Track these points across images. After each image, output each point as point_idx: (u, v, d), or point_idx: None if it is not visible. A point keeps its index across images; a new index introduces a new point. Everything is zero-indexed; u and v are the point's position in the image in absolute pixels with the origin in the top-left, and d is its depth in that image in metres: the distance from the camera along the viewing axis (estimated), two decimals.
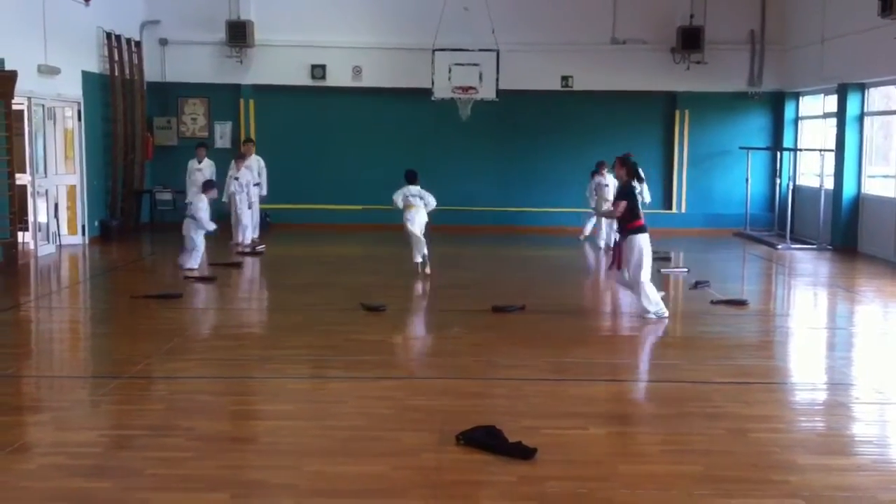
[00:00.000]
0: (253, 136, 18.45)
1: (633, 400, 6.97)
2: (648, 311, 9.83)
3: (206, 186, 13.82)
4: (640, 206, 10.22)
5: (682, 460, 5.72)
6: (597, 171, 16.12)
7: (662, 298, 10.09)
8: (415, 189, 12.83)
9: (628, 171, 10.27)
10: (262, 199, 16.80)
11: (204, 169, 16.33)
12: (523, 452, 5.67)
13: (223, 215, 15.92)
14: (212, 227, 13.41)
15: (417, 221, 12.62)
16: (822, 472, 5.56)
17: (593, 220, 16.52)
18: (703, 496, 5.15)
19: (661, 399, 7.02)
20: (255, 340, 9.25)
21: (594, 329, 9.84)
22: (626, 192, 10.11)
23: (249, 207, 16.02)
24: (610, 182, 15.74)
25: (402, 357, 8.28)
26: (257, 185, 16.44)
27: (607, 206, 15.62)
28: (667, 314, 9.84)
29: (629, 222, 9.93)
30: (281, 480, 5.32)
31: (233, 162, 16.14)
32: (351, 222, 18.59)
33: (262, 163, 16.84)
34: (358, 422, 6.36)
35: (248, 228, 15.99)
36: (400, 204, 12.78)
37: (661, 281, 13.02)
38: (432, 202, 12.82)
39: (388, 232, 17.65)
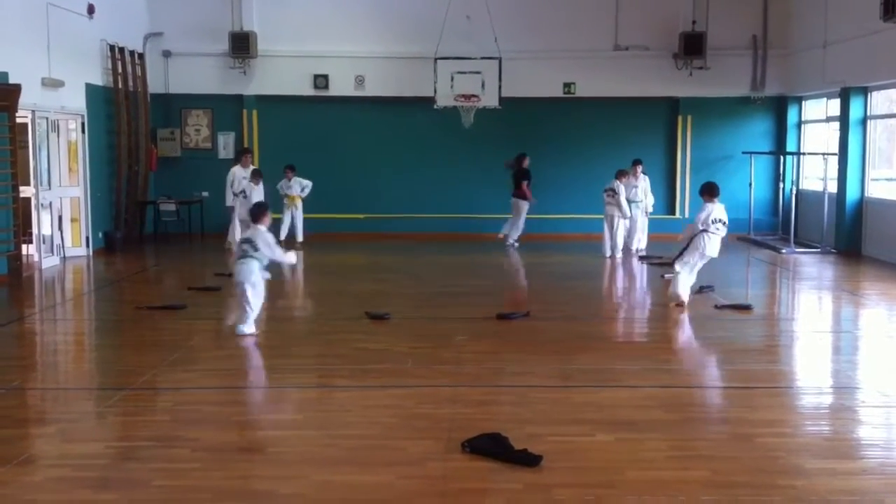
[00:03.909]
0: (256, 146, 18.51)
1: (638, 406, 6.95)
2: None
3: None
4: None
5: (688, 466, 5.71)
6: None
7: None
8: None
9: None
10: None
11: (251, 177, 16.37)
12: (529, 460, 5.66)
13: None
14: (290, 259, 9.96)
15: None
16: (828, 476, 5.54)
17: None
18: (711, 502, 5.14)
19: (667, 405, 7.01)
20: (261, 350, 9.24)
21: (599, 335, 9.83)
22: None
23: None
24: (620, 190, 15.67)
25: (407, 365, 8.28)
26: None
27: (619, 214, 15.62)
28: None
29: None
30: (288, 490, 5.32)
31: (237, 169, 16.28)
32: (354, 231, 18.61)
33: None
34: (364, 431, 6.36)
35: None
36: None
37: (665, 286, 13.03)
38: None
39: (391, 241, 17.71)
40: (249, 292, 9.25)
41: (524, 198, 17.08)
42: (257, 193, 15.82)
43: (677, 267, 10.97)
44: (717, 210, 10.92)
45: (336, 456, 5.88)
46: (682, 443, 6.15)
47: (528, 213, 17.22)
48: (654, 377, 7.86)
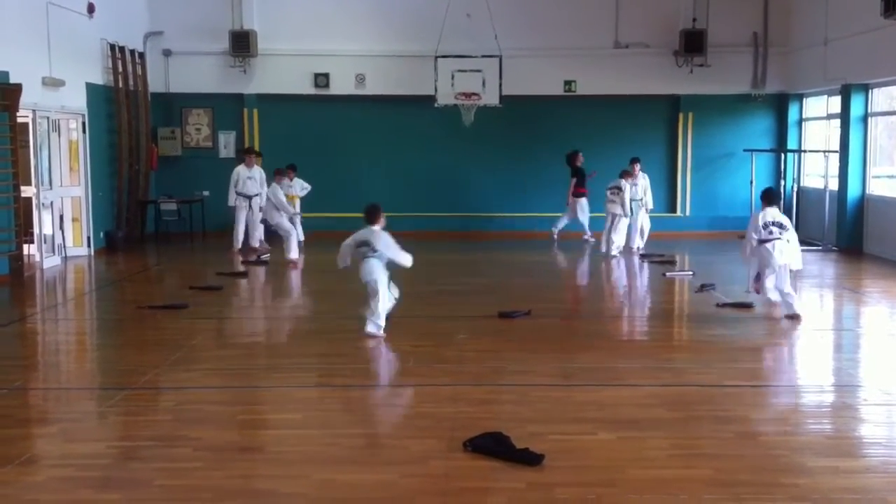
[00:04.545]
0: (257, 145, 18.46)
1: (640, 404, 6.95)
2: None
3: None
4: None
5: (691, 464, 5.71)
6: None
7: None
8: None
9: None
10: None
11: (255, 176, 16.24)
12: (531, 459, 5.66)
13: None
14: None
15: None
16: (831, 474, 5.54)
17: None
18: (713, 500, 5.14)
19: (669, 403, 7.00)
20: (262, 349, 9.25)
21: (600, 333, 9.82)
22: None
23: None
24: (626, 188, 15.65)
25: (408, 364, 8.28)
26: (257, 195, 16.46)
27: (621, 212, 15.54)
28: None
29: None
30: (290, 489, 5.32)
31: (241, 169, 16.29)
32: (355, 229, 18.51)
33: (263, 174, 16.92)
34: (366, 430, 6.36)
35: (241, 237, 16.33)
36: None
37: (666, 284, 13.02)
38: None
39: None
40: (379, 288, 9.11)
41: (575, 195, 17.40)
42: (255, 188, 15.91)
43: (769, 295, 10.19)
44: (768, 214, 10.00)
45: (338, 455, 5.88)
46: (685, 441, 6.15)
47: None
48: (655, 376, 7.86)
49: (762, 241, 9.94)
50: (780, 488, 5.33)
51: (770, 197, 10.26)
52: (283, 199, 15.41)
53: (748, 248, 10.18)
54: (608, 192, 15.78)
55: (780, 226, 9.94)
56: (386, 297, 9.23)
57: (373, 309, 9.15)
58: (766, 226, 9.91)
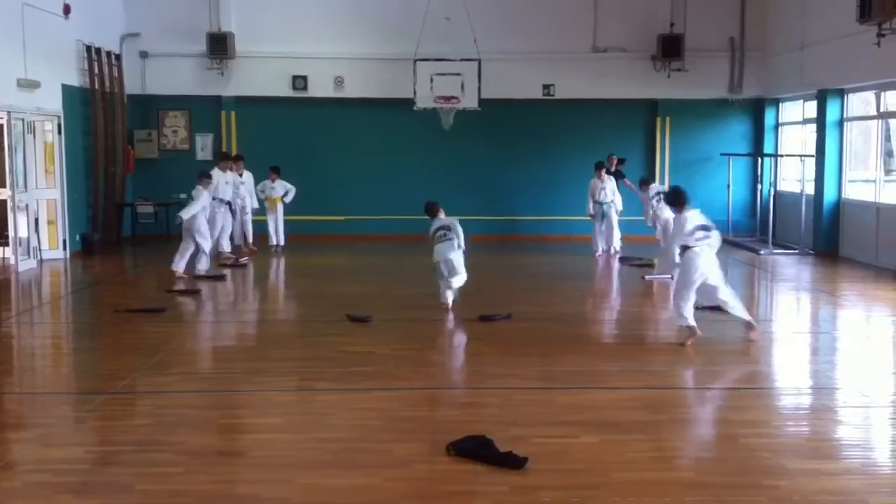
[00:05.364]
0: (234, 148, 18.33)
1: (622, 407, 6.97)
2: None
3: None
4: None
5: (673, 467, 5.73)
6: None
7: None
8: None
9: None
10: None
11: (230, 181, 15.93)
12: (514, 462, 5.66)
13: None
14: None
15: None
16: (811, 476, 5.58)
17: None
18: (695, 503, 5.15)
19: (651, 406, 7.03)
20: (242, 353, 9.19)
21: (581, 336, 9.84)
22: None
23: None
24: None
25: (390, 368, 8.25)
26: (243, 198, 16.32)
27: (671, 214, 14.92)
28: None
29: None
30: (272, 494, 5.28)
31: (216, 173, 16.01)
32: (334, 233, 18.56)
33: (248, 176, 16.82)
34: (348, 434, 6.33)
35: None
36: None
37: (646, 287, 13.08)
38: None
39: (371, 243, 17.66)
40: (455, 266, 10.79)
41: None
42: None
43: (681, 309, 9.13)
44: (693, 217, 9.08)
45: (320, 459, 5.85)
46: (666, 444, 6.17)
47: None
48: (637, 378, 7.88)
49: (686, 248, 9.04)
50: (761, 490, 5.35)
51: (685, 198, 9.22)
52: (206, 204, 14.53)
53: (674, 259, 9.15)
54: (654, 202, 14.84)
55: (706, 228, 9.07)
56: (463, 273, 10.88)
57: (447, 285, 10.86)
58: (693, 231, 8.99)
